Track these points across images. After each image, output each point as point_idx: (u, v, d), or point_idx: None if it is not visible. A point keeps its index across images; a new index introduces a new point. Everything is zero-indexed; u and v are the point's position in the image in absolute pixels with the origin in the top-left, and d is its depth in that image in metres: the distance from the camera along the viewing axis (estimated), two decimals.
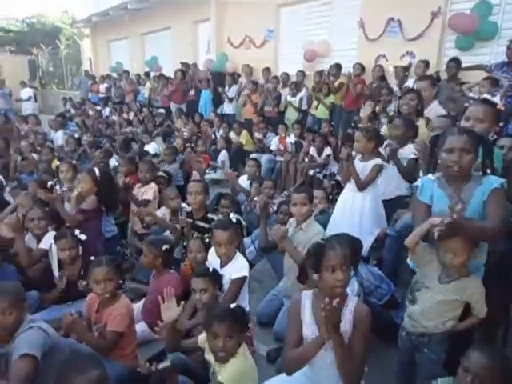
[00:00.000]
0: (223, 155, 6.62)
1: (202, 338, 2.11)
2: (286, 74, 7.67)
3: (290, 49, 8.30)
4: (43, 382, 1.93)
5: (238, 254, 2.65)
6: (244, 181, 5.22)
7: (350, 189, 3.23)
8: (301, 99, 7.20)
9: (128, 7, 11.51)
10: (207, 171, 6.39)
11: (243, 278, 2.54)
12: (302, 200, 2.83)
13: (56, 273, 2.96)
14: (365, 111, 3.64)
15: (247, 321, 2.08)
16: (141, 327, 2.77)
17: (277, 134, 6.90)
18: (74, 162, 4.36)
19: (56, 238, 2.94)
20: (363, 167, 3.16)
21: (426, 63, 5.55)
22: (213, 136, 7.60)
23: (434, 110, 3.62)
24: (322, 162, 5.89)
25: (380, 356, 2.32)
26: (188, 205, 3.95)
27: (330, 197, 4.00)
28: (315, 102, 6.93)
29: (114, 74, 12.73)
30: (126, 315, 2.34)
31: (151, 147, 7.16)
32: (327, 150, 5.94)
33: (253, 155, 6.62)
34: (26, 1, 38.77)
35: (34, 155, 6.29)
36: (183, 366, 2.16)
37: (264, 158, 6.64)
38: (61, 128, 8.05)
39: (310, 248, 1.91)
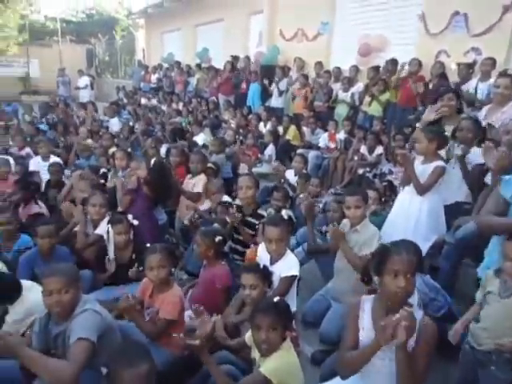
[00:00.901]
0: (270, 149, 6.57)
1: (248, 335, 2.11)
2: (338, 69, 7.48)
3: (344, 43, 8.06)
4: (96, 363, 2.01)
5: (288, 251, 2.62)
6: (290, 176, 5.18)
7: (407, 191, 3.08)
8: (352, 95, 7.00)
9: None
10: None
11: (293, 277, 2.51)
12: (356, 203, 2.73)
13: (112, 256, 3.07)
14: (428, 115, 3.41)
15: (291, 315, 2.06)
16: (188, 315, 2.82)
17: (326, 130, 6.77)
18: (129, 150, 4.50)
19: (112, 223, 3.05)
20: (423, 169, 3.00)
21: (493, 61, 5.18)
22: (260, 129, 7.58)
23: (509, 111, 3.36)
24: (372, 161, 5.69)
25: (437, 370, 2.20)
26: (233, 198, 3.98)
27: (383, 198, 3.85)
28: (367, 99, 6.70)
29: (166, 65, 13.03)
30: (178, 304, 2.38)
31: (200, 138, 7.26)
32: (379, 149, 5.73)
33: (300, 151, 6.53)
34: None
35: (90, 141, 6.59)
36: (230, 364, 2.17)
37: (311, 154, 6.52)
38: (115, 115, 8.35)
39: (375, 250, 1.85)
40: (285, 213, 2.73)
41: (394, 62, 6.49)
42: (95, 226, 3.46)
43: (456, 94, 3.50)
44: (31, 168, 5.16)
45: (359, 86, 7.01)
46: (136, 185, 3.77)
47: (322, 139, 6.66)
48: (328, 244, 3.40)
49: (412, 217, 3.03)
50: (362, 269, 2.00)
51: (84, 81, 13.00)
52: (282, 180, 4.97)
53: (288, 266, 2.52)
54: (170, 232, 4.19)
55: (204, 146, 6.38)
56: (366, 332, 1.76)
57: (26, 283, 2.53)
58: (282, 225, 2.56)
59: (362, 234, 2.76)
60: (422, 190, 2.95)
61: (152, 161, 3.98)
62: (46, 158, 5.27)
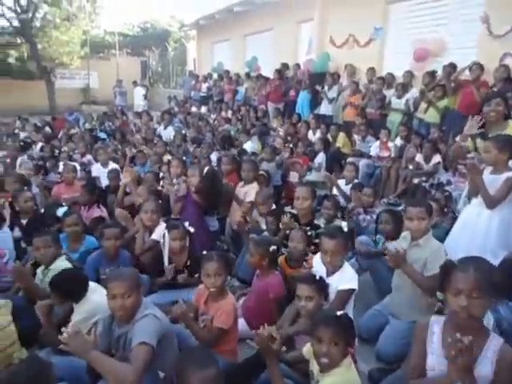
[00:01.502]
0: (320, 157, 6.49)
1: (306, 348, 2.05)
2: (392, 75, 7.26)
3: (398, 48, 7.83)
4: (154, 367, 2.06)
5: (346, 264, 2.54)
6: (342, 185, 5.06)
7: (475, 204, 2.88)
8: (407, 101, 6.75)
9: (234, 10, 11.95)
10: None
11: (351, 291, 2.42)
12: (420, 214, 2.58)
13: (166, 261, 3.14)
14: (470, 129, 3.14)
15: (354, 331, 1.98)
16: (240, 323, 2.82)
17: (377, 138, 6.57)
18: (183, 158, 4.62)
19: (169, 228, 3.13)
20: (493, 181, 2.79)
21: None
22: (309, 137, 7.51)
23: None
24: (429, 170, 5.43)
25: None
26: (282, 206, 3.95)
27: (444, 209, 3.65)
28: (423, 105, 6.43)
29: (215, 74, 13.36)
30: (232, 313, 2.38)
31: (247, 146, 7.33)
32: (436, 158, 5.45)
33: (350, 159, 6.39)
34: (141, 8, 42.96)
35: (145, 148, 6.87)
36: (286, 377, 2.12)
37: (362, 163, 6.36)
38: (169, 124, 8.65)
39: (441, 266, 1.74)
40: (344, 225, 2.64)
41: (452, 66, 6.18)
42: (150, 232, 3.56)
43: (504, 99, 3.29)
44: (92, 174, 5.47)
45: (414, 92, 6.76)
46: (185, 191, 3.84)
47: (374, 147, 6.47)
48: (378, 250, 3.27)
49: (480, 231, 2.83)
50: (431, 290, 1.87)
51: (139, 91, 13.63)
52: (336, 189, 4.87)
53: (346, 278, 2.44)
54: (221, 238, 4.23)
55: (253, 153, 6.43)
56: (435, 358, 1.64)
57: (90, 284, 2.65)
58: (339, 237, 2.48)
59: (424, 249, 2.60)
60: (492, 202, 2.74)
61: (205, 169, 4.06)
62: (105, 164, 5.57)
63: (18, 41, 16.26)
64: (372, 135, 6.79)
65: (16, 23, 15.78)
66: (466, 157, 3.23)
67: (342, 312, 1.87)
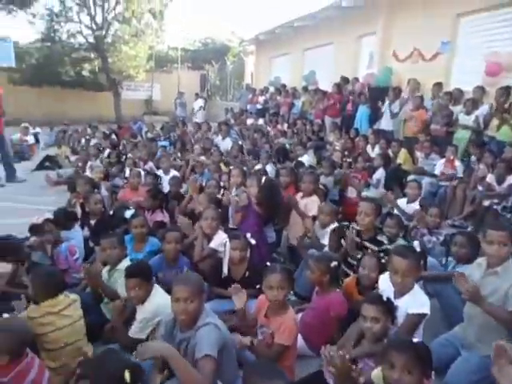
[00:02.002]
0: (380, 173, 6.26)
1: (375, 373, 1.94)
2: (460, 91, 6.89)
3: (467, 62, 7.45)
4: (214, 377, 2.05)
5: (416, 286, 2.39)
6: (402, 204, 4.84)
7: None
8: (476, 118, 6.35)
9: (294, 25, 12.08)
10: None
11: (422, 316, 2.26)
12: (502, 239, 2.37)
13: (225, 270, 3.15)
14: None
15: (431, 362, 1.83)
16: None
17: (442, 156, 6.24)
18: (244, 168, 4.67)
19: (230, 238, 3.15)
20: None
21: None
22: (369, 152, 7.31)
23: None
24: (502, 192, 5.04)
25: None
26: (339, 221, 3.84)
27: None
28: (495, 122, 6.02)
29: (272, 88, 13.52)
30: (294, 329, 2.33)
31: (304, 159, 7.27)
32: (510, 179, 5.06)
33: (412, 177, 6.11)
34: (202, 24, 45.05)
35: (203, 158, 7.05)
36: None
37: (426, 181, 6.05)
38: (227, 135, 8.85)
39: None
40: (416, 244, 2.49)
41: None
42: (209, 240, 3.60)
43: None
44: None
45: (484, 109, 6.36)
46: (247, 202, 3.87)
47: (439, 165, 6.14)
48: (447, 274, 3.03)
49: None
50: None
51: (198, 103, 14.16)
52: (395, 208, 4.67)
53: (417, 302, 2.30)
54: (278, 251, 4.19)
55: (311, 167, 6.36)
56: None
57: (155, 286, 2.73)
58: (411, 257, 2.35)
59: (503, 278, 2.38)
60: None
61: (263, 179, 4.06)
62: (166, 171, 5.78)
63: (92, 55, 17.59)
64: (436, 152, 6.46)
65: (91, 39, 17.15)
66: None
67: (417, 340, 1.74)
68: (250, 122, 11.96)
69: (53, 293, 2.49)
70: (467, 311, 2.59)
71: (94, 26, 16.87)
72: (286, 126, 10.46)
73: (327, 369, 2.32)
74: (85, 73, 17.24)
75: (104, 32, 16.97)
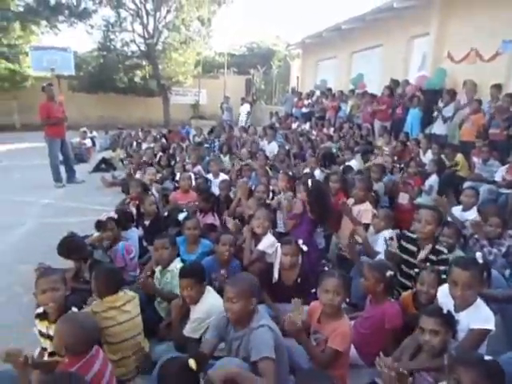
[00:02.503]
0: (433, 179, 6.00)
1: None
2: None
3: None
4: None
5: (479, 300, 2.27)
6: (457, 212, 4.61)
7: None
8: None
9: (342, 28, 11.93)
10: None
11: (487, 331, 2.15)
12: None
13: (276, 275, 3.16)
14: None
15: (503, 382, 1.72)
16: None
17: (502, 162, 5.87)
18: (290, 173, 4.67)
19: (282, 243, 3.16)
20: None
21: None
22: (419, 157, 7.04)
23: None
24: None
25: None
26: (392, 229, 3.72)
27: None
28: None
29: (318, 92, 13.40)
30: (348, 336, 2.30)
31: (352, 164, 7.14)
32: None
33: (468, 183, 5.80)
34: (248, 29, 45.70)
35: (250, 161, 7.13)
36: None
37: (484, 188, 5.72)
38: (273, 139, 8.90)
39: None
40: (479, 256, 2.37)
41: None
42: (256, 242, 3.63)
43: None
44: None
45: None
46: (302, 209, 3.85)
47: (499, 171, 5.78)
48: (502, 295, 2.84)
49: None
50: None
51: (245, 108, 14.35)
52: (448, 215, 4.46)
53: (481, 317, 2.19)
54: (327, 257, 4.14)
55: (359, 172, 6.23)
56: None
57: (207, 287, 2.80)
58: (473, 268, 2.24)
59: None
60: None
61: (309, 182, 4.03)
62: (216, 175, 5.91)
63: (143, 63, 18.40)
64: (495, 158, 6.09)
65: (143, 47, 17.95)
66: None
67: (489, 358, 1.66)
68: (294, 125, 11.94)
69: (113, 289, 2.63)
70: None
71: (146, 35, 17.65)
72: (332, 130, 10.33)
73: (381, 380, 2.28)
74: (137, 79, 18.08)
75: (155, 40, 17.71)
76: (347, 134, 9.23)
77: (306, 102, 13.16)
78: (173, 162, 7.30)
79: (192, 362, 1.88)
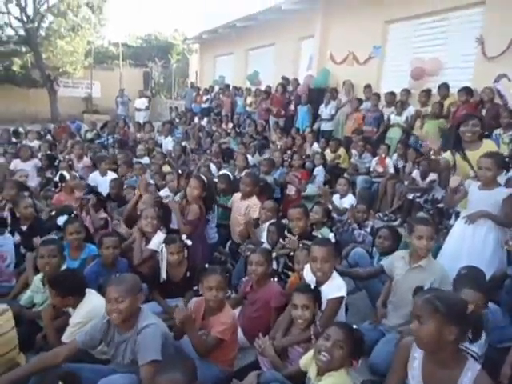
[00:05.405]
0: (317, 171, 6.58)
1: (303, 361, 2.12)
2: (392, 94, 7.34)
3: (395, 66, 8.03)
4: None
5: (335, 273, 2.60)
6: (336, 200, 5.14)
7: (463, 224, 2.95)
8: (407, 118, 6.86)
9: (236, 25, 12.19)
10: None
11: (340, 298, 2.48)
12: (430, 233, 2.62)
13: (164, 273, 3.17)
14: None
15: (362, 348, 2.04)
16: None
17: (375, 155, 6.68)
18: (180, 171, 4.68)
19: (166, 243, 3.17)
20: (486, 196, 2.88)
21: None
22: (307, 151, 7.62)
23: None
24: (424, 187, 5.53)
25: None
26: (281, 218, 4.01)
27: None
28: (418, 123, 6.57)
29: (217, 87, 13.53)
30: (231, 326, 2.40)
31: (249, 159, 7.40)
32: (432, 175, 5.55)
33: (345, 174, 6.48)
34: (145, 21, 43.73)
35: (147, 158, 6.94)
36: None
37: (360, 178, 6.47)
38: (169, 134, 8.75)
39: None
40: (332, 236, 2.72)
41: (446, 86, 6.35)
42: (147, 240, 3.59)
43: (480, 120, 3.46)
44: (90, 183, 5.49)
45: (410, 110, 6.90)
46: (198, 213, 3.82)
47: (371, 163, 6.57)
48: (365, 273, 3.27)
49: (475, 249, 2.89)
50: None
51: (142, 102, 13.77)
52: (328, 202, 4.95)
53: (335, 287, 2.51)
54: (220, 249, 4.27)
55: (254, 166, 6.51)
56: (414, 382, 1.70)
57: (87, 290, 2.68)
58: (328, 245, 2.57)
59: (428, 271, 2.63)
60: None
61: (203, 177, 4.10)
62: (104, 173, 5.60)
63: (23, 49, 16.47)
64: (369, 151, 6.89)
65: (22, 32, 16.04)
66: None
67: (355, 326, 2.00)
68: (196, 121, 11.91)
69: None
70: (391, 301, 2.85)
71: (25, 18, 15.81)
72: (230, 125, 10.56)
73: (261, 358, 2.48)
74: (15, 68, 16.11)
75: (36, 24, 15.97)
76: (244, 130, 9.53)
77: (204, 98, 13.19)
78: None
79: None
